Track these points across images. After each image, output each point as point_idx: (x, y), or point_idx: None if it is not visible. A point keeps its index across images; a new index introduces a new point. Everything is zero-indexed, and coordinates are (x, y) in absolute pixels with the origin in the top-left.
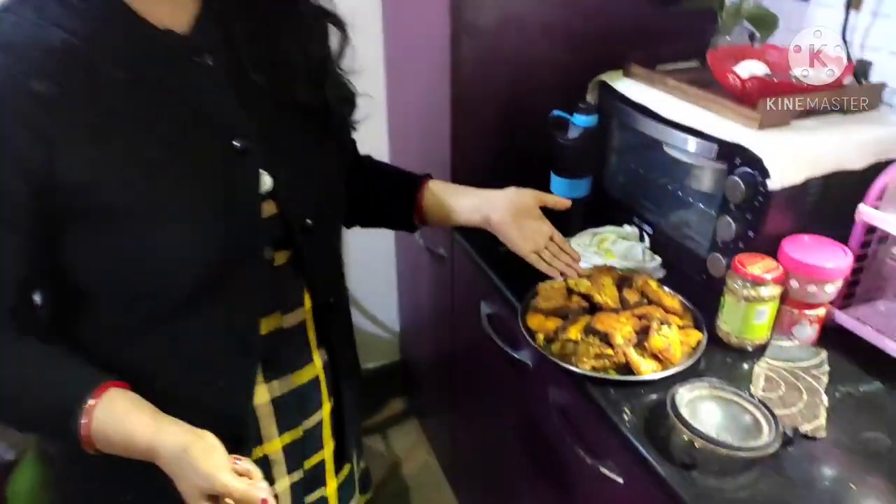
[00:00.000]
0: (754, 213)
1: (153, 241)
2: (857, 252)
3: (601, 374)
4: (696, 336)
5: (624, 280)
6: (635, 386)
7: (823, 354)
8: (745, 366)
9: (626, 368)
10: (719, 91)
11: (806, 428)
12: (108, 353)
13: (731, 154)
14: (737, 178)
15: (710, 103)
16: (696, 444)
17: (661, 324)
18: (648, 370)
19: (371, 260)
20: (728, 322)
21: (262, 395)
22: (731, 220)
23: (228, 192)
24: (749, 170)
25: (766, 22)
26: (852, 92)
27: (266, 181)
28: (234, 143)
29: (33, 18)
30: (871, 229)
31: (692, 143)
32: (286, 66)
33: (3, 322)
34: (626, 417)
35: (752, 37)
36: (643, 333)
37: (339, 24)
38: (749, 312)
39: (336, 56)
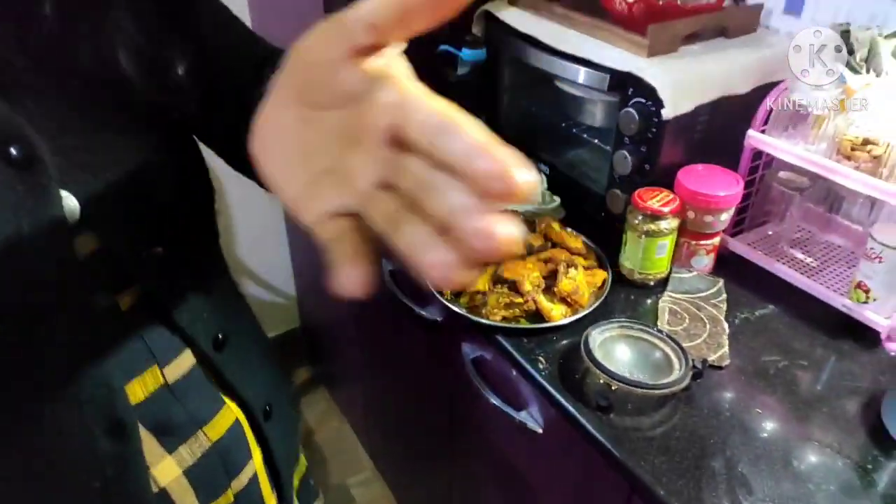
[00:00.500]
0: (649, 145)
1: None
2: (745, 177)
3: (513, 325)
4: (602, 275)
5: (526, 224)
6: (547, 333)
7: (720, 283)
8: (650, 301)
9: (537, 315)
10: (608, 17)
11: (712, 358)
12: None
13: (623, 84)
14: (631, 110)
15: (599, 31)
16: (612, 386)
17: (568, 266)
18: (559, 315)
19: (257, 219)
20: (630, 258)
21: (169, 470)
22: (626, 154)
23: (20, 229)
24: (642, 100)
25: None
26: (732, 13)
27: (70, 204)
28: (11, 149)
29: None
30: (757, 154)
31: (583, 75)
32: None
33: None
34: (540, 366)
35: None
36: (551, 278)
37: None
38: (650, 247)
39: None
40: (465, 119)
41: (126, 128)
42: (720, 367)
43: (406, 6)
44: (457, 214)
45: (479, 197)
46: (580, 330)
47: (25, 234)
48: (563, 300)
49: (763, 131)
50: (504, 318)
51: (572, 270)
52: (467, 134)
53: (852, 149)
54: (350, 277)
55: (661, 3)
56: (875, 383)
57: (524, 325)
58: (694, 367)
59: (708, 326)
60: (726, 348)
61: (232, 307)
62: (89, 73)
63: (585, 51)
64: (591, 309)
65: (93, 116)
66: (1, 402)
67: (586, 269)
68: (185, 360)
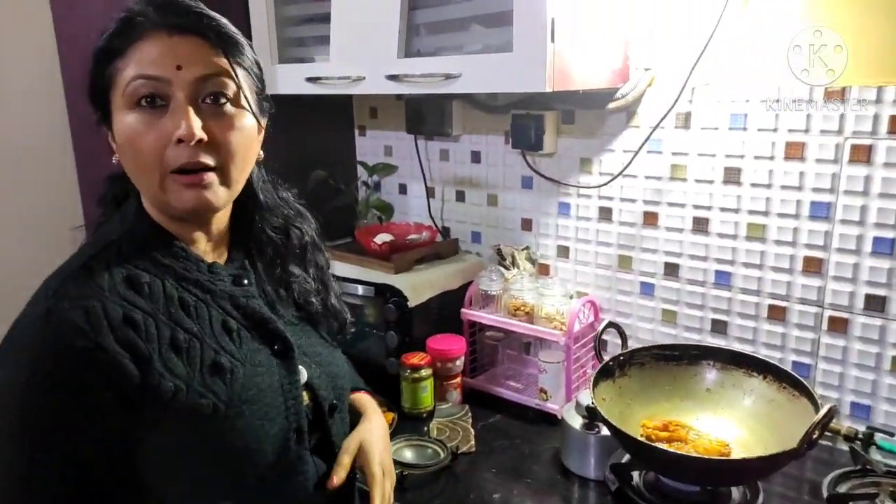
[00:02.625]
0: (405, 326)
1: (236, 428)
2: (468, 338)
3: None
4: (391, 416)
5: None
6: None
7: (466, 407)
8: (424, 427)
9: None
10: (367, 253)
11: (464, 448)
12: None
13: (384, 291)
14: (391, 305)
15: (363, 262)
16: (404, 472)
17: None
18: None
19: None
20: (407, 400)
21: None
22: (393, 333)
23: (282, 385)
24: (397, 298)
25: (386, 209)
26: (441, 245)
27: (303, 374)
28: (276, 346)
29: (117, 262)
30: (472, 323)
31: (360, 289)
32: (297, 284)
33: None
34: None
35: (380, 219)
36: None
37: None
38: (417, 390)
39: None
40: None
41: (321, 337)
42: (469, 453)
43: None
44: None
45: None
46: None
47: (284, 389)
48: None
49: (470, 308)
50: None
51: None
52: None
53: (515, 310)
54: None
55: (398, 242)
56: (559, 441)
57: None
58: (452, 452)
59: (461, 433)
60: (472, 441)
61: None
62: (307, 308)
63: (358, 274)
64: None
65: (309, 331)
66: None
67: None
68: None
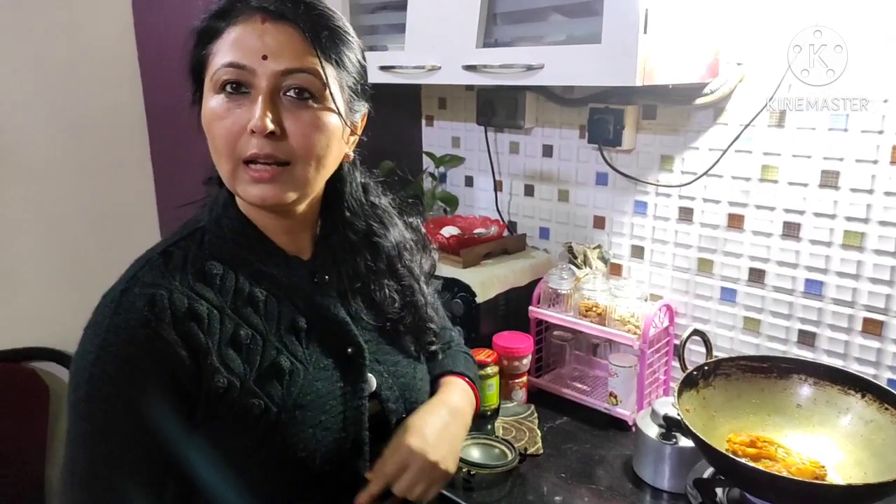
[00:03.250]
0: (472, 322)
1: (286, 434)
2: (534, 336)
3: None
4: None
5: None
6: None
7: (532, 407)
8: (489, 425)
9: None
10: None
11: (531, 450)
12: None
13: (451, 286)
14: (458, 300)
15: None
16: (471, 471)
17: None
18: None
19: None
20: None
21: None
22: (460, 329)
23: (344, 393)
24: (464, 293)
25: (451, 201)
26: (509, 240)
27: (372, 383)
28: (348, 350)
29: (196, 251)
30: (539, 322)
31: None
32: (379, 289)
33: None
34: None
35: (445, 211)
36: None
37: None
38: (483, 388)
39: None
40: None
41: (402, 347)
42: (536, 455)
43: None
44: None
45: None
46: None
47: (346, 397)
48: None
49: (538, 306)
50: None
51: None
52: None
53: (586, 311)
54: None
55: (465, 237)
56: (630, 450)
57: None
58: (519, 454)
59: (528, 433)
60: (539, 443)
61: None
62: (387, 317)
63: None
64: None
65: (388, 339)
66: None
67: None
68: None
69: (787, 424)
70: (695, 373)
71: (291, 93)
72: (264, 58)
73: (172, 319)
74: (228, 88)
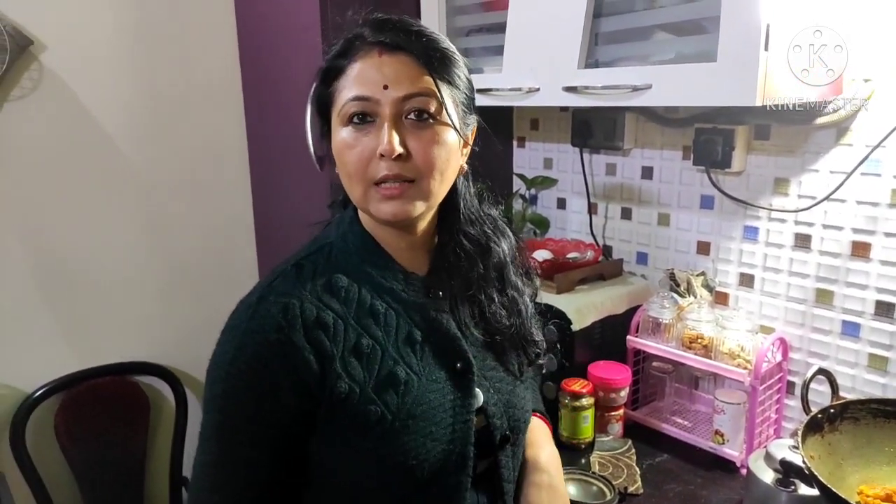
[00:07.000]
0: (566, 349)
1: (398, 442)
2: (632, 367)
3: None
4: None
5: None
6: None
7: (629, 442)
8: (583, 459)
9: None
10: None
11: (631, 489)
12: None
13: (545, 312)
14: (552, 327)
15: None
16: None
17: None
18: None
19: None
20: (566, 429)
21: None
22: (552, 357)
23: (454, 406)
24: (558, 320)
25: (542, 223)
26: (605, 265)
27: (479, 398)
28: (457, 364)
29: (324, 265)
30: (637, 352)
31: None
32: (489, 304)
33: None
34: None
35: (535, 233)
36: None
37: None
38: (578, 419)
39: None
40: None
41: (506, 364)
42: (636, 494)
43: None
44: None
45: None
46: None
47: (455, 410)
48: None
49: (636, 336)
50: None
51: None
52: None
53: (690, 342)
54: None
55: (560, 261)
56: (739, 494)
57: None
58: (619, 492)
59: (626, 470)
60: (639, 482)
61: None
62: (495, 330)
63: None
64: None
65: (494, 355)
66: None
67: None
68: None
69: None
70: (819, 415)
71: (412, 115)
72: (385, 87)
73: (303, 326)
74: (356, 119)
